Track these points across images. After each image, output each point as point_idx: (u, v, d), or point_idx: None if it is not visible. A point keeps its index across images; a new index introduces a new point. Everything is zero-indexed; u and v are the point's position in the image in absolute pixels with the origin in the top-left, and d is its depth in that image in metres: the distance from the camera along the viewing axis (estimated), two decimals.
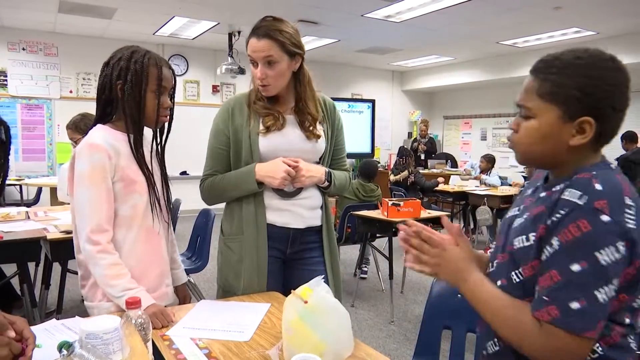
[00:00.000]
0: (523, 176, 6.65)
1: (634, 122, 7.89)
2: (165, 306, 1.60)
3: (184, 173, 8.56)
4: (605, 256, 0.92)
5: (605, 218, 0.93)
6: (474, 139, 11.02)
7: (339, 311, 1.25)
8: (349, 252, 5.98)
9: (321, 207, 1.92)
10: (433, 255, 1.17)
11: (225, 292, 1.86)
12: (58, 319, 1.46)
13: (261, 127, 1.79)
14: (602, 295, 0.93)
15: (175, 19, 6.93)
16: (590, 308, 0.93)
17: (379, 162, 10.17)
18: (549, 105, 1.03)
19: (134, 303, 1.16)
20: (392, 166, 7.65)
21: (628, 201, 0.96)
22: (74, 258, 1.65)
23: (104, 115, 1.65)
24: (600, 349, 1.00)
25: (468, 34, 7.45)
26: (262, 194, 1.81)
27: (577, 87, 1.00)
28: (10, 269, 3.24)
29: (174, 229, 1.88)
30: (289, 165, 1.73)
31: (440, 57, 9.53)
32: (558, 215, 0.97)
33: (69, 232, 2.87)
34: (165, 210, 1.72)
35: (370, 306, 4.30)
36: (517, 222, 1.12)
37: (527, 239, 1.05)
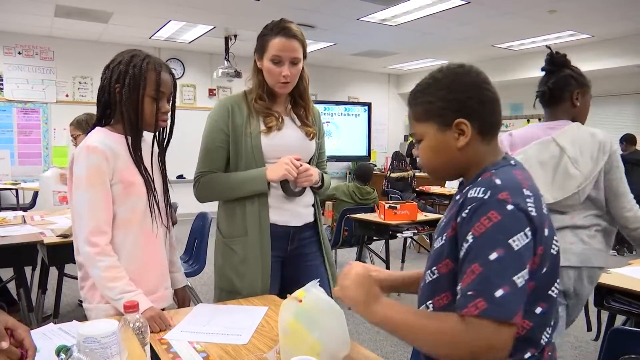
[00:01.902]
0: None
1: (633, 125, 7.95)
2: (164, 309, 1.60)
3: (180, 177, 8.54)
4: (517, 241, 0.97)
5: (510, 207, 0.99)
6: None
7: (334, 310, 1.25)
8: (346, 255, 5.98)
9: (313, 205, 2.03)
10: (344, 276, 1.17)
11: (228, 293, 1.87)
12: (55, 324, 1.46)
13: (262, 127, 1.87)
14: (520, 280, 0.96)
15: (171, 23, 6.93)
16: (512, 293, 0.95)
17: (376, 165, 10.19)
18: (426, 123, 1.14)
19: (131, 307, 1.16)
20: (388, 168, 7.69)
21: (526, 192, 1.03)
22: (71, 262, 1.65)
23: (104, 117, 1.65)
24: None
25: (463, 37, 7.48)
26: (266, 194, 1.87)
27: (439, 98, 1.12)
28: (6, 273, 3.24)
29: None
30: (294, 162, 1.83)
31: (436, 61, 9.55)
32: (466, 211, 1.03)
33: (66, 236, 2.88)
34: (165, 213, 1.73)
35: None
36: (440, 225, 1.19)
37: (442, 239, 1.11)
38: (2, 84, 7.48)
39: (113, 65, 1.59)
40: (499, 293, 0.94)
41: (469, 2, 5.71)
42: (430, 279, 1.12)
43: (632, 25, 6.60)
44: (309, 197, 1.98)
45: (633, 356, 1.40)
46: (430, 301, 1.12)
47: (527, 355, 1.05)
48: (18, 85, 7.59)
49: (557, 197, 1.98)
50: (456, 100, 1.11)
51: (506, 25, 6.70)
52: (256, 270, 1.84)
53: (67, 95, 7.94)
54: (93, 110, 1.70)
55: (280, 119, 1.89)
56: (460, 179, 1.21)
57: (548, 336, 1.08)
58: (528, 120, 9.55)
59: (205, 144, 1.91)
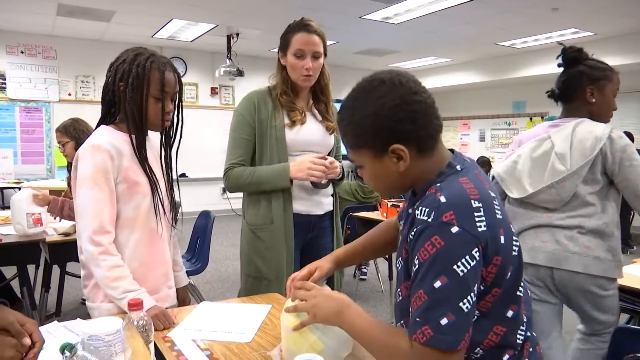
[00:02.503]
0: None
1: (637, 122, 7.93)
2: (167, 308, 1.60)
3: (182, 175, 8.56)
4: (462, 267, 0.93)
5: (454, 229, 0.94)
6: (472, 140, 11.04)
7: None
8: None
9: (332, 195, 2.14)
10: (310, 296, 1.16)
11: (255, 279, 1.99)
12: (59, 322, 1.46)
13: (287, 120, 1.98)
14: (465, 305, 0.94)
15: (173, 22, 6.93)
16: (458, 320, 0.93)
17: None
18: (360, 151, 1.08)
19: (136, 305, 1.16)
20: None
21: (475, 204, 0.97)
22: (73, 260, 1.65)
23: (108, 115, 1.64)
24: (481, 352, 1.04)
25: (466, 36, 7.46)
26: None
27: (367, 128, 1.04)
28: (9, 271, 3.24)
29: None
30: (317, 162, 1.92)
31: (438, 59, 9.55)
32: (413, 234, 1.00)
33: (68, 235, 2.88)
34: (169, 213, 1.72)
35: (370, 307, 4.30)
36: (399, 240, 1.15)
37: (400, 260, 1.09)
38: (5, 83, 7.49)
39: (117, 64, 1.59)
40: (444, 321, 0.92)
41: (471, 0, 5.69)
42: (397, 300, 1.13)
43: (635, 23, 6.58)
44: (330, 188, 2.10)
45: (638, 355, 1.39)
46: (402, 321, 1.12)
47: (506, 357, 1.05)
48: (21, 84, 7.61)
49: (536, 187, 1.97)
50: (385, 128, 1.02)
51: (509, 23, 6.69)
52: (281, 256, 1.96)
53: (69, 94, 7.96)
54: (96, 109, 1.69)
55: (303, 114, 2.00)
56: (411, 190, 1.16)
57: (523, 334, 1.07)
58: (531, 119, 9.55)
59: (232, 137, 2.01)
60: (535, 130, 2.13)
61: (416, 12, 6.29)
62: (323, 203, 2.07)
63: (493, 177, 2.19)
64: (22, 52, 7.58)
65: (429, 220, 0.97)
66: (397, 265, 1.12)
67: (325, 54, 2.00)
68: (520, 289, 1.06)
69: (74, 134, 3.24)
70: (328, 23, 6.85)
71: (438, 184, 1.02)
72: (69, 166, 3.45)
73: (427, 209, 0.98)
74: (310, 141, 2.01)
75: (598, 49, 7.35)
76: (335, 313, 1.11)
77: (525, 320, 1.09)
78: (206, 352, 1.30)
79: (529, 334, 1.10)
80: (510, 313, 1.04)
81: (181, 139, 1.73)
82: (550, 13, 6.15)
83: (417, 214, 1.01)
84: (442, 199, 0.97)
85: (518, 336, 1.06)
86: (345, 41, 8.02)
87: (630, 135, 6.68)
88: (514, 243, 1.04)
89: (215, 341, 1.37)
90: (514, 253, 1.03)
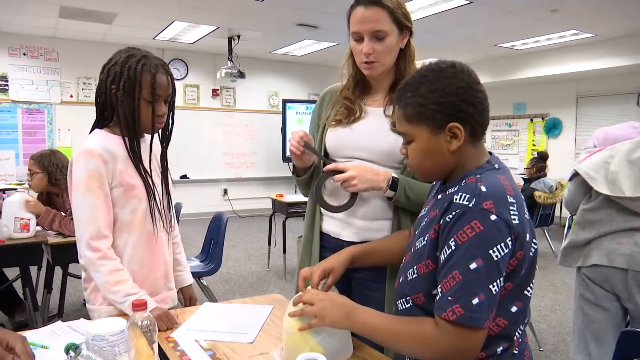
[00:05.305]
0: (522, 178, 6.66)
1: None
2: (169, 309, 1.61)
3: (184, 177, 8.56)
4: (497, 252, 1.01)
5: (493, 217, 1.01)
6: None
7: None
8: None
9: (390, 219, 1.57)
10: (318, 300, 1.18)
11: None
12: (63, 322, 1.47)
13: (332, 119, 1.66)
14: (494, 288, 1.01)
15: (175, 24, 6.94)
16: (487, 300, 1.01)
17: None
18: (418, 125, 1.13)
19: (140, 305, 1.17)
20: None
21: (510, 199, 1.05)
22: (75, 262, 1.65)
23: (102, 118, 1.64)
24: None
25: (466, 37, 7.47)
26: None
27: (432, 101, 1.10)
28: (12, 272, 3.25)
29: None
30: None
31: None
32: (450, 217, 1.05)
33: (70, 236, 2.90)
34: (167, 214, 1.72)
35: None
36: (422, 223, 1.21)
37: (424, 239, 1.14)
38: (7, 85, 7.51)
39: (109, 66, 1.58)
40: (475, 301, 1.00)
41: (471, 2, 5.70)
42: (410, 277, 1.17)
43: (635, 24, 6.59)
44: (374, 208, 1.57)
45: None
46: (409, 297, 1.17)
47: (500, 349, 1.11)
48: (23, 86, 7.62)
49: (637, 192, 1.88)
50: (450, 104, 1.09)
51: (509, 24, 6.69)
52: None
53: (71, 96, 7.97)
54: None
55: (357, 112, 1.61)
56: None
57: (521, 332, 1.14)
58: (531, 120, 9.55)
59: None
60: (625, 132, 2.05)
61: (417, 14, 6.30)
62: (358, 227, 1.57)
63: (576, 173, 2.11)
64: (24, 54, 7.60)
65: (470, 205, 1.03)
66: (417, 244, 1.17)
67: (406, 29, 1.54)
68: (529, 289, 1.12)
69: (48, 167, 3.19)
70: (328, 25, 6.86)
71: (478, 175, 1.10)
72: (40, 196, 3.41)
73: (468, 195, 1.04)
74: (355, 144, 1.58)
75: (598, 50, 7.40)
76: (345, 316, 1.15)
77: (526, 320, 1.14)
78: (209, 352, 1.31)
79: (524, 333, 1.17)
80: (514, 308, 1.10)
81: (169, 140, 1.72)
82: (550, 14, 6.15)
83: (456, 199, 1.06)
84: (483, 189, 1.05)
85: (517, 332, 1.13)
86: (345, 43, 7.99)
87: None
88: (534, 244, 1.11)
89: (218, 341, 1.38)
90: (530, 253, 1.09)
